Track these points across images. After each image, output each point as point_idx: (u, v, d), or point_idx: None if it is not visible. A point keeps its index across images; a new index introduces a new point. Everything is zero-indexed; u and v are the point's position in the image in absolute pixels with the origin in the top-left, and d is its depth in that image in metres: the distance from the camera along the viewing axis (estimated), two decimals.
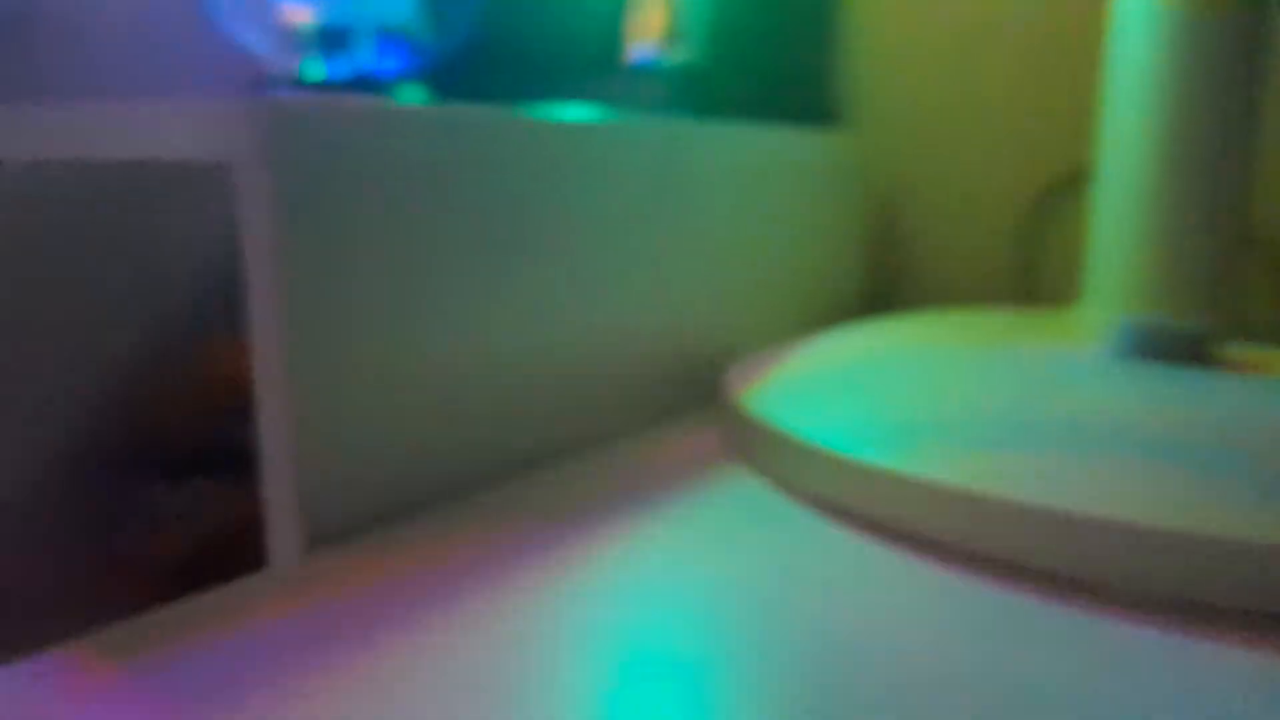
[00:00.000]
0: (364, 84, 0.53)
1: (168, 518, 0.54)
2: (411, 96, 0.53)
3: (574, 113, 0.37)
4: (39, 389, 0.56)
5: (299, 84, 0.52)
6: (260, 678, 0.22)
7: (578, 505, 0.33)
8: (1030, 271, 0.61)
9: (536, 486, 0.35)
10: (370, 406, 0.31)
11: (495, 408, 0.35)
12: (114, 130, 0.29)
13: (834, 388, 0.38)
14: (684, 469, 0.37)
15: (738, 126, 0.46)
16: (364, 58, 0.52)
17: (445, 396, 0.33)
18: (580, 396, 0.39)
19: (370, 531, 0.31)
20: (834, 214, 0.56)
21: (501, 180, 0.34)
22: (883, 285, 0.67)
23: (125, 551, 0.59)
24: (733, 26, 0.54)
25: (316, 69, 0.52)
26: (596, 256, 0.39)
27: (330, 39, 0.51)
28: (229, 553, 0.54)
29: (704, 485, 0.35)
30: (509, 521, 0.32)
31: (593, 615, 0.25)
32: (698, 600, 0.26)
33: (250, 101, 0.26)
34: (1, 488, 0.55)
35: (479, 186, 0.33)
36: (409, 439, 0.32)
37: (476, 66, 0.57)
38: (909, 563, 0.29)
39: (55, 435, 0.57)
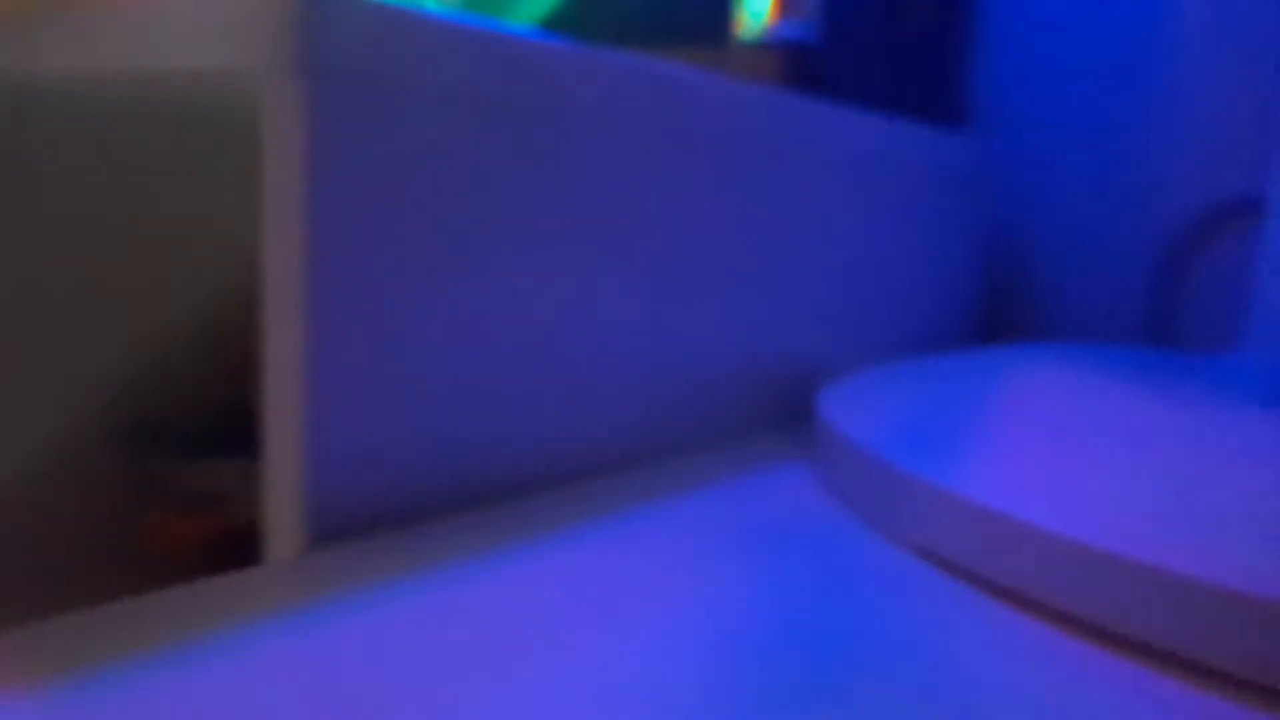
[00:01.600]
0: None
1: (189, 499, 0.50)
2: None
3: (670, 67, 0.32)
4: (50, 360, 0.52)
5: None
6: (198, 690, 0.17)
7: (628, 521, 0.28)
8: (1166, 309, 0.54)
9: (588, 497, 0.30)
10: (395, 390, 0.26)
11: (545, 408, 0.30)
12: (124, 33, 0.25)
13: (941, 419, 0.32)
14: (761, 493, 0.31)
15: (852, 111, 0.40)
16: None
17: (483, 391, 0.28)
18: (643, 402, 0.34)
19: (377, 532, 0.26)
20: (951, 224, 0.50)
21: (576, 130, 0.29)
22: (1000, 310, 0.60)
23: (139, 533, 0.56)
24: (856, 4, 0.48)
25: None
26: (673, 236, 0.33)
27: None
28: (247, 541, 0.50)
29: (782, 513, 0.30)
30: (543, 531, 0.26)
31: (599, 632, 0.20)
32: (735, 630, 0.21)
33: None
34: (17, 463, 0.52)
35: (549, 134, 0.28)
36: (437, 435, 0.27)
37: (574, 37, 0.53)
38: (1018, 624, 0.23)
39: (70, 410, 0.53)
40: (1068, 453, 0.28)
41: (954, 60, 0.50)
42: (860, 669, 0.20)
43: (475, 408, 0.28)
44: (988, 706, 0.19)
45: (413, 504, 0.27)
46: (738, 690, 0.19)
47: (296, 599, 0.21)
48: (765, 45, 0.43)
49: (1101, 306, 0.56)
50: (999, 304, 0.60)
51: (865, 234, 0.43)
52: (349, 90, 0.23)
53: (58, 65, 0.28)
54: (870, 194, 0.42)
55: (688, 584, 0.24)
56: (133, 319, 0.54)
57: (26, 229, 0.49)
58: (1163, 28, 0.53)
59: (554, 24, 0.54)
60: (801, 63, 0.42)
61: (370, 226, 0.24)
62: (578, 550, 0.25)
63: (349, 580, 0.23)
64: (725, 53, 0.44)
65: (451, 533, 0.26)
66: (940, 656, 0.21)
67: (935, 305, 0.50)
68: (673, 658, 0.20)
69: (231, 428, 0.52)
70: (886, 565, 0.26)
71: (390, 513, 0.26)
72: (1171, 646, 0.22)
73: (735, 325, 0.37)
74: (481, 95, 0.26)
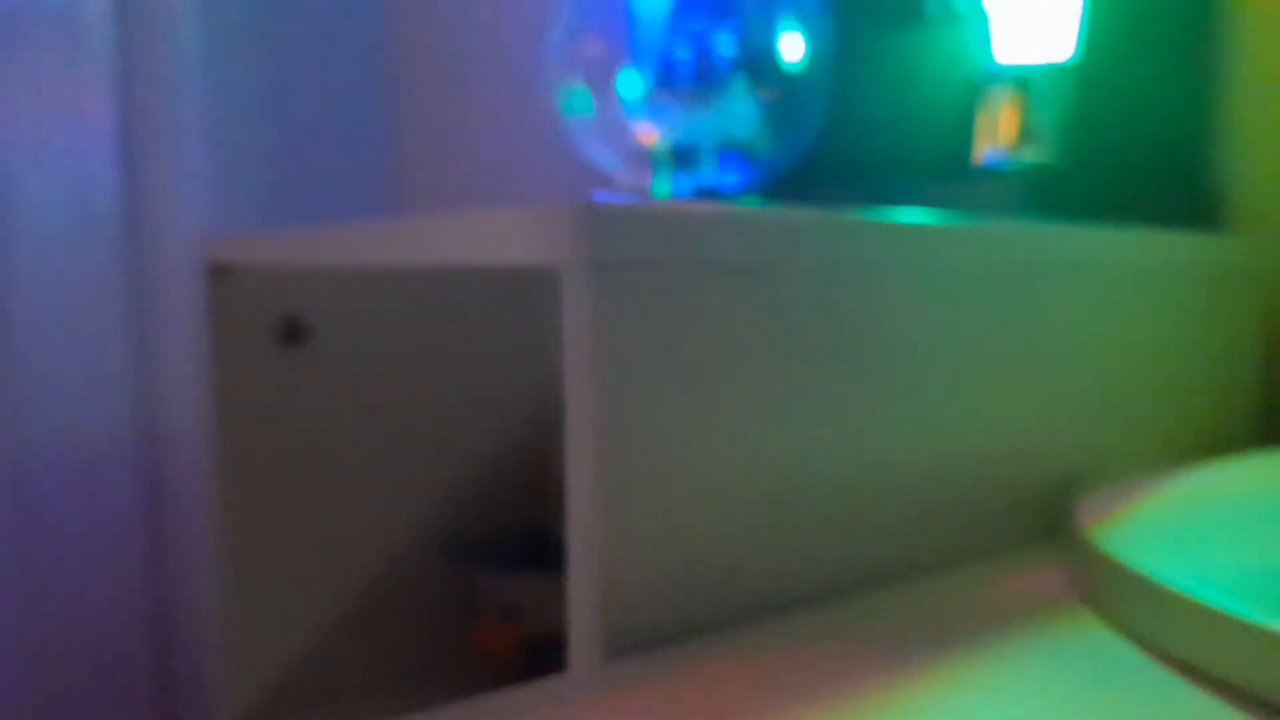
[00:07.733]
0: (708, 197, 0.54)
1: (501, 610, 0.57)
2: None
3: (910, 214, 0.35)
4: (398, 481, 0.61)
5: (647, 199, 0.54)
6: None
7: (894, 637, 0.30)
8: None
9: (856, 612, 0.33)
10: (683, 516, 0.30)
11: (815, 527, 0.33)
12: (454, 238, 0.32)
13: (1216, 532, 0.32)
14: (1022, 608, 0.33)
15: (1095, 229, 0.42)
16: (708, 173, 0.54)
17: (761, 513, 0.32)
18: (907, 519, 0.36)
19: (673, 643, 0.30)
20: (1215, 326, 0.49)
21: (829, 284, 0.33)
22: None
23: (462, 638, 0.63)
24: (1092, 123, 0.50)
25: (663, 184, 0.54)
26: (930, 367, 0.36)
27: (676, 156, 0.53)
28: (554, 650, 0.55)
29: (1045, 630, 0.31)
30: (819, 647, 0.29)
31: None
32: None
33: (573, 206, 0.27)
34: (365, 576, 0.60)
35: (806, 291, 0.32)
36: (721, 554, 0.31)
37: (819, 175, 0.57)
38: None
39: (409, 525, 0.62)
40: None
41: (1210, 162, 0.50)
42: None
43: (746, 532, 0.32)
44: None
45: (697, 618, 0.30)
46: None
47: (601, 708, 0.26)
48: (1003, 172, 0.46)
49: None
50: None
51: (1120, 343, 0.43)
52: (626, 274, 0.28)
53: (396, 261, 0.35)
54: (1120, 303, 0.43)
55: (954, 702, 0.26)
56: (454, 454, 0.62)
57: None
58: None
59: (804, 170, 0.58)
60: (1041, 185, 0.44)
61: (653, 377, 0.29)
62: (844, 664, 0.28)
63: (645, 693, 0.27)
64: (966, 182, 0.47)
65: (727, 649, 0.30)
66: None
67: (1206, 409, 0.49)
68: None
69: (534, 546, 0.58)
70: (1152, 683, 0.27)
71: (678, 626, 0.30)
72: None
73: (988, 441, 0.39)
74: (731, 262, 0.31)
